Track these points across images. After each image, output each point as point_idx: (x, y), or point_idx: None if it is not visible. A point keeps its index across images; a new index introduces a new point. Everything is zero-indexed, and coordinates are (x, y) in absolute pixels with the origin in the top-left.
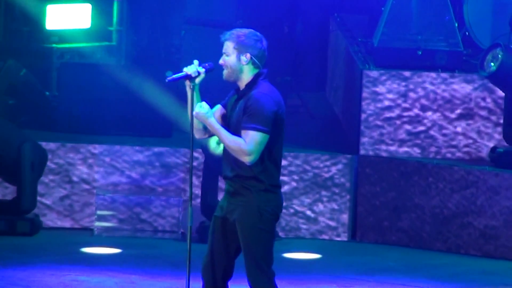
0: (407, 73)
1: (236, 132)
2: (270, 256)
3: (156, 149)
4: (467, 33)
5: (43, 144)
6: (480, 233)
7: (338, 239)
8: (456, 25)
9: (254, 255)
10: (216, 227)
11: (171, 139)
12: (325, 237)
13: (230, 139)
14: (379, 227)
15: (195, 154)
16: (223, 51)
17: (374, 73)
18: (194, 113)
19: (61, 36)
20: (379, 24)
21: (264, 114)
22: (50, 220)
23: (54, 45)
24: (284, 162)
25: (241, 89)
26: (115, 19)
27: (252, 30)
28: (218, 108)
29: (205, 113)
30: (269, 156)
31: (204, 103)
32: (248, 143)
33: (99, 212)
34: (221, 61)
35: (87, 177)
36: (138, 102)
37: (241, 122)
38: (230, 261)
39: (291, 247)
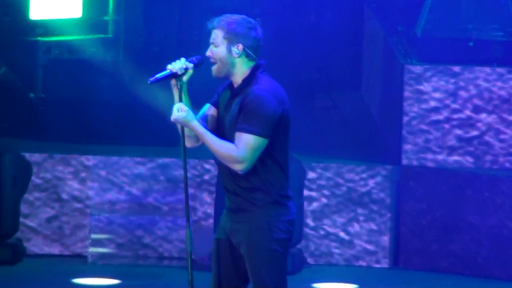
0: (456, 68)
1: (231, 136)
2: (284, 284)
3: (160, 161)
4: None
5: (27, 155)
6: None
7: (378, 265)
8: None
9: (265, 283)
10: (221, 252)
11: (178, 148)
12: (362, 263)
13: (218, 144)
14: (426, 251)
15: (207, 166)
16: (211, 41)
17: (417, 69)
18: (172, 118)
19: (47, 27)
20: (423, 10)
21: (263, 114)
22: (36, 245)
23: (39, 38)
24: (312, 175)
25: (236, 85)
26: (111, 6)
27: (245, 16)
28: (207, 108)
29: (185, 116)
30: (274, 162)
31: (181, 105)
32: (240, 149)
33: (93, 236)
34: (208, 53)
35: (79, 194)
36: (139, 105)
37: (236, 123)
38: None
39: (322, 276)
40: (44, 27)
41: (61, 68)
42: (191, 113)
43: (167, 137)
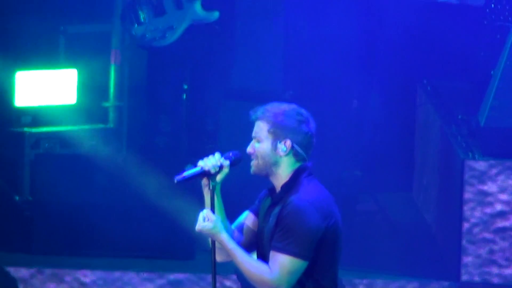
0: None
1: (268, 252)
2: None
3: (172, 276)
4: None
5: (11, 270)
6: None
7: None
8: None
9: None
10: None
11: (194, 262)
12: None
13: (249, 263)
14: None
15: (227, 283)
16: (253, 134)
17: (480, 165)
18: (196, 228)
19: (35, 116)
20: (487, 95)
21: (302, 232)
22: None
23: (26, 129)
24: None
25: (276, 190)
26: (112, 91)
27: (295, 106)
28: (245, 216)
29: (212, 227)
30: (317, 287)
31: (208, 212)
32: (273, 271)
33: None
34: (249, 149)
35: None
36: (147, 210)
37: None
38: None
39: None
40: (32, 115)
41: (52, 165)
42: (219, 224)
43: (180, 248)
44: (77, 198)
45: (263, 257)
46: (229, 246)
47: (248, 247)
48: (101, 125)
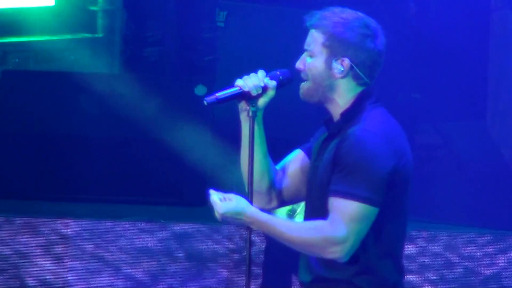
0: None
1: (320, 200)
2: None
3: (177, 227)
4: None
5: None
6: None
7: None
8: None
9: None
10: None
11: (203, 209)
12: None
13: (297, 230)
14: None
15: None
16: (305, 46)
17: None
18: (216, 214)
19: (1, 21)
20: None
21: (371, 170)
22: None
23: None
24: (411, 249)
25: (334, 119)
26: None
27: (363, 15)
28: (296, 155)
29: (235, 206)
30: (378, 243)
31: (231, 195)
32: (336, 224)
33: None
34: (299, 64)
35: (53, 279)
36: (145, 143)
37: (329, 181)
38: None
39: None
40: None
41: (24, 85)
42: (242, 199)
43: (187, 191)
44: (56, 128)
45: (314, 208)
46: (263, 219)
47: (295, 196)
48: (87, 35)
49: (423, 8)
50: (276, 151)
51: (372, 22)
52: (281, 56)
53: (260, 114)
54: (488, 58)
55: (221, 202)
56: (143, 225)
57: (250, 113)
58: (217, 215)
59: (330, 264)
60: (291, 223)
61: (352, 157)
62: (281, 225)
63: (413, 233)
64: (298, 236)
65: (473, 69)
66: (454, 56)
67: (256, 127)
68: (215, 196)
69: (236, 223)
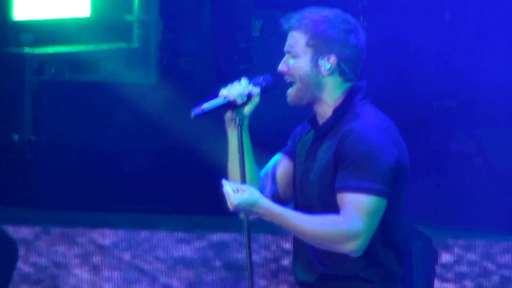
0: None
1: (319, 201)
2: None
3: (215, 236)
4: None
5: (9, 229)
6: None
7: None
8: None
9: None
10: None
11: (239, 220)
12: None
13: (311, 223)
14: None
15: (286, 246)
16: (286, 48)
17: None
18: (229, 205)
19: (39, 32)
20: None
21: (378, 163)
22: None
23: (26, 50)
24: (447, 257)
25: (323, 119)
26: (136, 1)
27: (340, 11)
28: (278, 160)
29: (248, 197)
30: (384, 234)
31: (244, 186)
32: (350, 217)
33: None
34: (282, 67)
35: None
36: (182, 153)
37: (332, 180)
38: None
39: None
40: (34, 32)
41: (60, 96)
42: (255, 190)
43: (224, 201)
44: (92, 139)
45: (307, 209)
46: (277, 211)
47: (281, 201)
48: (122, 45)
49: (458, 17)
50: (258, 158)
51: (351, 18)
52: None
53: (246, 122)
54: None
55: (235, 193)
56: (180, 234)
57: (237, 122)
58: (230, 206)
59: (335, 260)
60: (305, 216)
61: (359, 152)
62: (295, 217)
63: (450, 241)
64: (312, 229)
65: (509, 76)
66: (489, 63)
67: (243, 136)
68: (228, 187)
69: (249, 215)
